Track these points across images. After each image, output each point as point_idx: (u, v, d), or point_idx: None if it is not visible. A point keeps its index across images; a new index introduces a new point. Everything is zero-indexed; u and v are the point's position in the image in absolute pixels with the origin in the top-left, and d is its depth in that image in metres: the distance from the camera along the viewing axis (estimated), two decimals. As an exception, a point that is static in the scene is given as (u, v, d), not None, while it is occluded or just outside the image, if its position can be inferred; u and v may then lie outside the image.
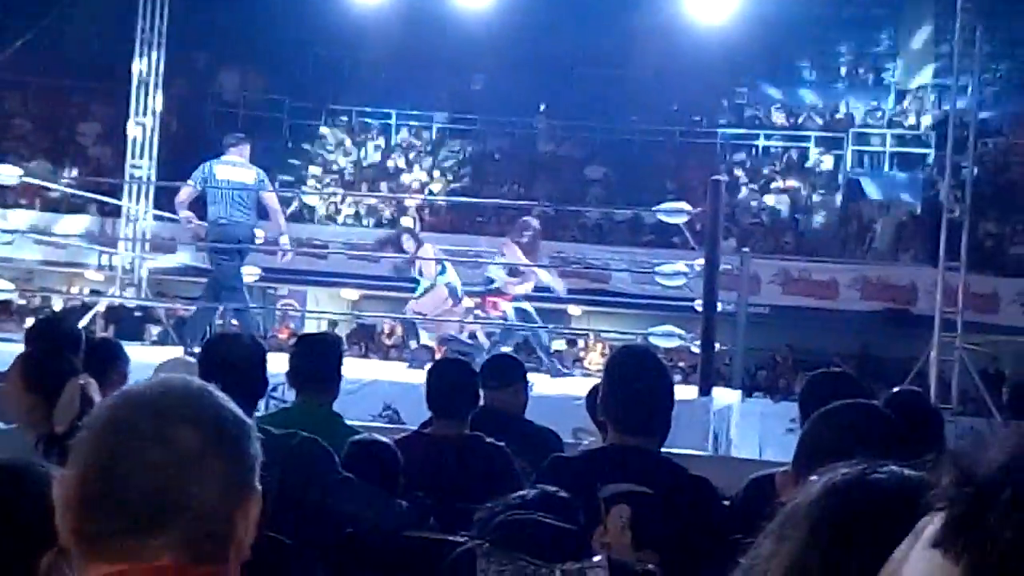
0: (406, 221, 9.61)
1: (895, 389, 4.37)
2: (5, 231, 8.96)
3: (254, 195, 8.68)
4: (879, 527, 0.91)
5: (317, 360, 4.07)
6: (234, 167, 8.79)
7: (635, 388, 3.09)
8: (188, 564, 1.15)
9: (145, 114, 13.98)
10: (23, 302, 11.78)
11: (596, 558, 2.25)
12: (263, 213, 8.79)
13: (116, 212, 12.90)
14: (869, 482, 0.99)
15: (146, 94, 14.00)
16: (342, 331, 15.73)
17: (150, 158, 13.90)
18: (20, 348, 4.09)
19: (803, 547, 0.93)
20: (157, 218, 13.70)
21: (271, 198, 8.80)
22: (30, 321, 10.03)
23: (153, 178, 13.76)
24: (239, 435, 1.21)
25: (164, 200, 13.77)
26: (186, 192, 8.92)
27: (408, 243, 9.88)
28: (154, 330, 11.56)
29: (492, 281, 9.39)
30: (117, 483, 1.14)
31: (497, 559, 2.15)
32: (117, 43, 15.40)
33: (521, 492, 2.44)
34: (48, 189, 9.21)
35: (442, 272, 9.65)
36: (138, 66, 13.87)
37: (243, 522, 1.19)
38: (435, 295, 9.63)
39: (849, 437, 2.00)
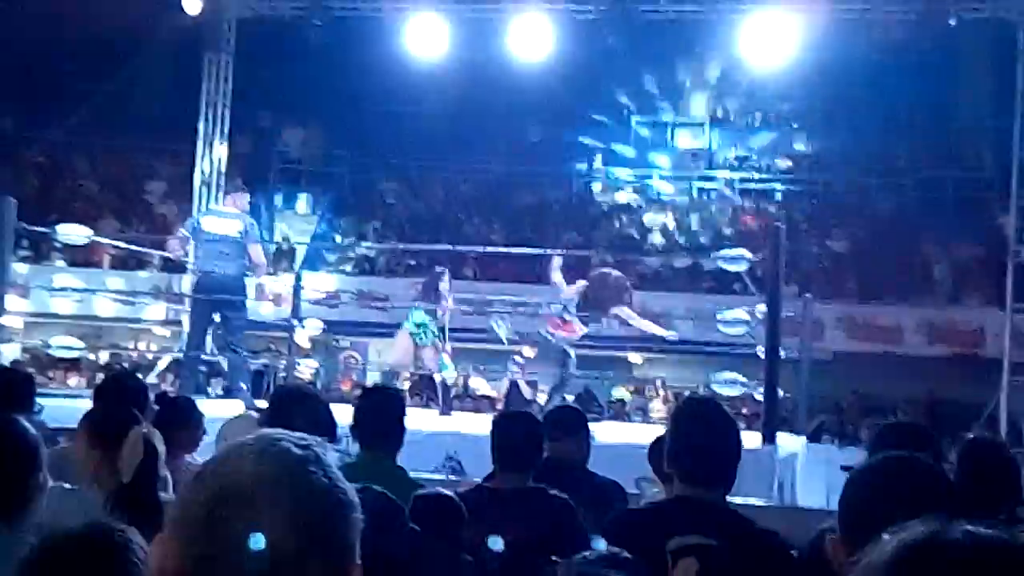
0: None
1: (970, 436, 4.29)
2: (75, 290, 9.14)
3: (240, 245, 8.71)
4: None
5: (381, 414, 4.11)
6: (220, 218, 8.93)
7: (702, 439, 3.08)
8: None
9: (211, 173, 14.27)
10: (92, 358, 12.02)
11: None
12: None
13: (182, 268, 13.14)
14: (943, 542, 0.95)
15: (210, 152, 14.29)
16: (403, 381, 15.80)
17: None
18: (89, 404, 4.16)
19: None
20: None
21: (254, 250, 8.80)
22: (99, 377, 10.20)
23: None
24: (341, 523, 1.17)
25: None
26: (174, 242, 9.19)
27: (444, 284, 9.92)
28: (218, 384, 11.69)
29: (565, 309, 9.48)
30: None
31: None
32: (182, 102, 15.77)
33: (585, 552, 2.43)
34: (116, 247, 9.42)
35: (407, 319, 9.65)
36: (203, 125, 14.17)
37: None
38: (398, 341, 9.73)
39: (893, 494, 1.93)
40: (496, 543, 3.10)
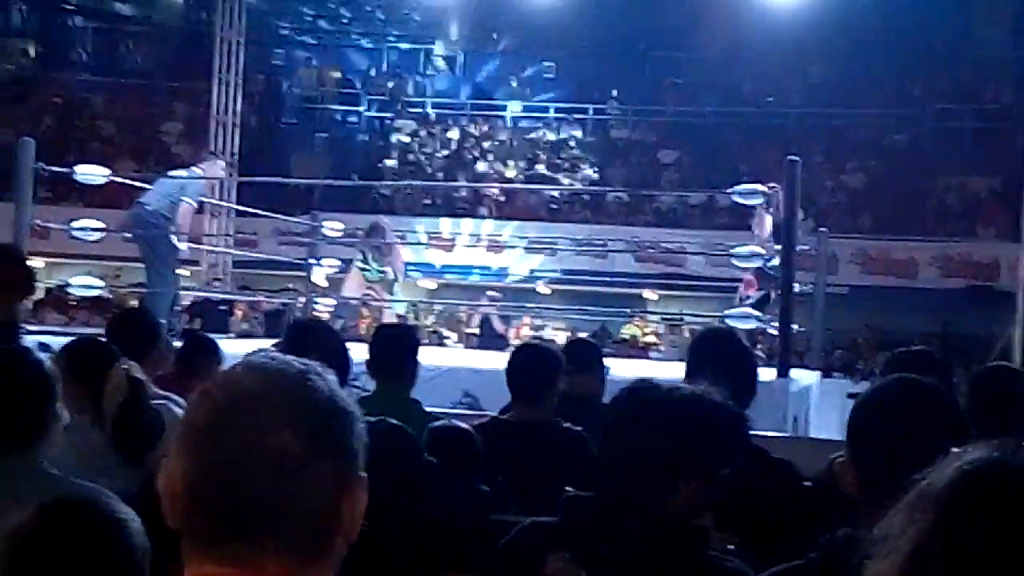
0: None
1: (986, 365, 4.29)
2: (94, 229, 9.19)
3: (172, 188, 8.74)
4: (1012, 517, 0.86)
5: (394, 349, 4.17)
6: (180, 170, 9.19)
7: (716, 370, 3.12)
8: (297, 567, 1.15)
9: (226, 112, 14.25)
10: (111, 297, 12.10)
11: None
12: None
13: (199, 208, 13.18)
14: (1009, 468, 0.90)
15: (226, 92, 14.26)
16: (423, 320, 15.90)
17: (231, 154, 14.17)
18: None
19: (927, 533, 0.89)
20: (239, 213, 13.96)
21: (180, 211, 8.71)
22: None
23: (235, 174, 14.01)
24: (342, 429, 1.20)
25: (246, 195, 14.05)
26: None
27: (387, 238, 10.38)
28: (239, 323, 11.79)
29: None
30: (221, 493, 1.14)
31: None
32: (198, 42, 15.73)
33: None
34: (135, 187, 9.46)
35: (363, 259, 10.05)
36: (218, 64, 14.12)
37: (350, 512, 1.19)
38: (349, 277, 10.22)
39: (899, 415, 1.94)
40: None
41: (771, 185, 7.86)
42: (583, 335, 16.24)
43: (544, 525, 2.22)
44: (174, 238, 8.82)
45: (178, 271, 9.33)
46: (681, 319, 15.34)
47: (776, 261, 8.19)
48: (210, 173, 9.18)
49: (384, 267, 10.18)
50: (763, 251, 8.13)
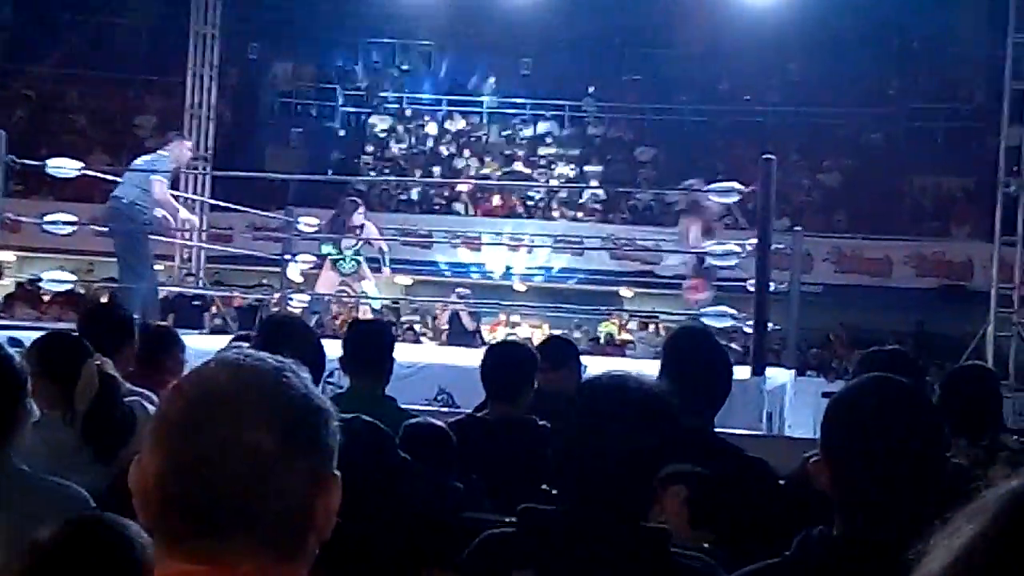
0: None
1: (959, 365, 4.32)
2: (66, 223, 9.10)
3: (141, 177, 8.68)
4: None
5: (369, 346, 4.15)
6: (144, 156, 9.08)
7: (691, 368, 3.13)
8: (269, 565, 1.14)
9: (200, 105, 14.17)
10: (84, 292, 12.03)
11: None
12: None
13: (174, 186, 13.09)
14: None
15: (201, 86, 14.17)
16: (399, 316, 15.87)
17: (206, 148, 14.09)
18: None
19: (976, 536, 0.89)
20: (213, 208, 13.89)
21: (155, 188, 8.66)
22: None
23: (209, 168, 13.93)
24: (317, 427, 1.18)
25: (220, 190, 13.97)
26: None
27: (359, 217, 10.21)
28: (212, 319, 11.72)
29: None
30: (194, 490, 1.13)
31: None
32: (172, 36, 15.63)
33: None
34: (107, 181, 9.40)
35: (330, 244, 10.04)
36: (193, 58, 14.04)
37: (324, 510, 1.18)
38: (323, 272, 10.18)
39: (872, 414, 1.93)
40: None
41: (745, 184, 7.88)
42: (558, 332, 16.29)
43: (504, 536, 2.19)
44: (160, 214, 8.79)
45: (155, 266, 9.27)
46: (656, 317, 15.39)
47: (720, 260, 8.48)
48: (176, 154, 9.02)
49: (359, 251, 10.07)
50: (738, 249, 8.15)
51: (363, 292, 10.23)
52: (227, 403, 1.15)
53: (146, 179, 8.64)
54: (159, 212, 8.79)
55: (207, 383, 1.18)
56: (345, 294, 10.22)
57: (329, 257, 10.14)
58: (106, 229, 9.00)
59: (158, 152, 9.05)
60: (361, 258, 10.20)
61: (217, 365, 1.21)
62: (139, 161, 8.97)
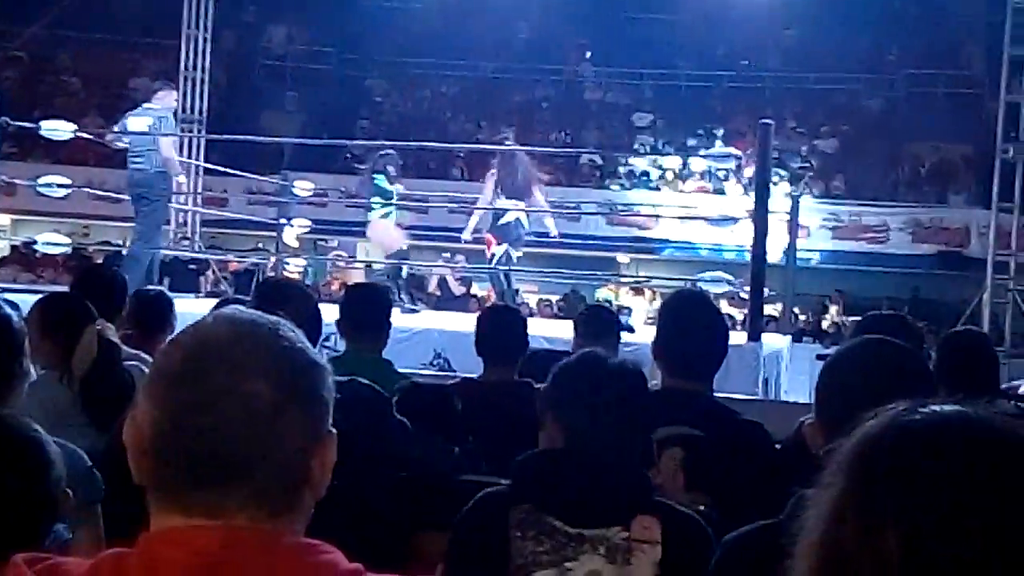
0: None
1: (954, 329, 4.32)
2: (61, 186, 9.08)
3: (149, 140, 8.65)
4: (910, 470, 0.90)
5: (366, 309, 4.14)
6: (139, 116, 8.88)
7: (688, 332, 3.12)
8: (264, 519, 1.14)
9: (195, 68, 14.07)
10: (83, 255, 12.02)
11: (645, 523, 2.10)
12: None
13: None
14: (901, 425, 0.94)
15: (195, 48, 14.07)
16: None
17: (200, 112, 14.01)
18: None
19: (840, 494, 0.93)
20: (208, 171, 13.83)
21: (163, 144, 8.70)
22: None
23: (203, 132, 13.86)
24: (313, 380, 1.18)
25: (215, 154, 13.91)
26: (110, 136, 9.22)
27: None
28: (208, 282, 11.71)
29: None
30: (191, 439, 1.12)
31: (532, 519, 2.12)
32: (165, -2, 15.50)
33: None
34: (101, 144, 9.36)
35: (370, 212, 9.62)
36: (187, 20, 13.92)
37: (319, 467, 1.18)
38: (387, 229, 9.70)
39: (867, 376, 1.92)
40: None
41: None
42: (554, 298, 16.29)
43: (499, 493, 2.21)
44: (173, 179, 8.80)
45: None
46: (650, 282, 15.40)
47: (507, 218, 8.59)
48: (167, 103, 9.00)
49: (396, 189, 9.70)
50: (735, 215, 8.15)
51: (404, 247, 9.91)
52: (224, 354, 1.15)
53: (155, 142, 8.60)
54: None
55: (204, 336, 1.18)
56: (340, 258, 10.10)
57: (376, 215, 9.62)
58: (128, 197, 8.94)
59: (149, 106, 8.91)
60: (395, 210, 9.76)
61: (214, 320, 1.21)
62: (138, 122, 8.82)
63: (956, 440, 0.91)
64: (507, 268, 9.18)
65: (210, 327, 1.19)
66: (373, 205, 9.53)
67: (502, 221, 9.16)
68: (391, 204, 9.60)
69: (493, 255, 9.25)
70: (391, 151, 9.90)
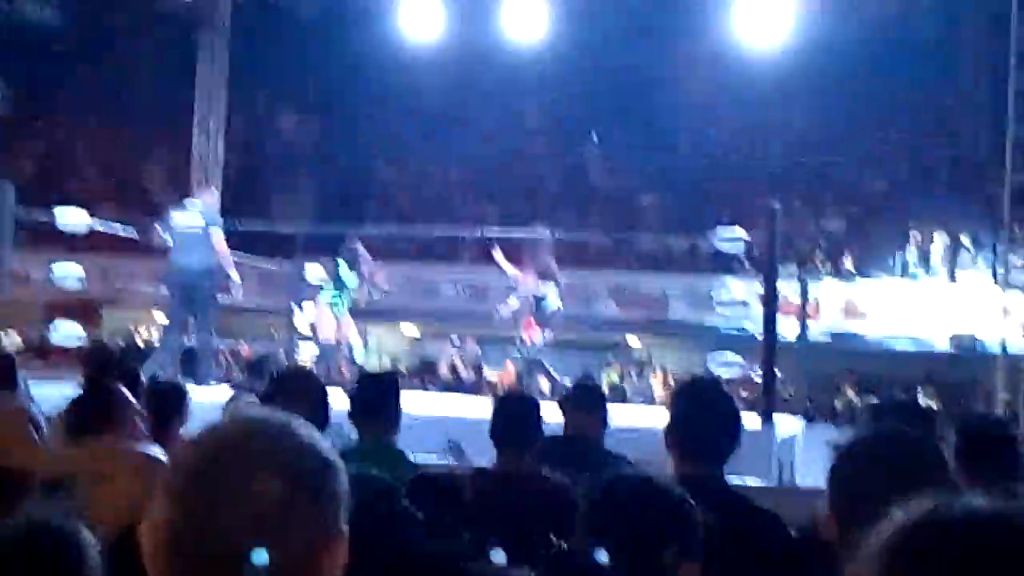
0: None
1: (972, 414, 4.29)
2: (75, 276, 9.17)
3: (203, 236, 8.92)
4: (948, 569, 0.89)
5: (376, 398, 4.13)
6: (186, 212, 9.17)
7: (701, 417, 3.12)
8: None
9: (208, 156, 14.24)
10: (90, 346, 12.02)
11: None
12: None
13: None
14: (944, 521, 0.93)
15: (208, 136, 14.26)
16: (404, 366, 15.87)
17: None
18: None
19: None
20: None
21: (216, 240, 8.99)
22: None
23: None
24: (326, 477, 1.21)
25: (227, 239, 13.99)
26: (155, 232, 9.44)
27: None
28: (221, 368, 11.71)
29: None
30: (205, 536, 1.14)
31: None
32: (179, 87, 15.76)
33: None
34: (114, 232, 9.49)
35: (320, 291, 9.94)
36: (199, 107, 14.14)
37: (330, 565, 1.20)
38: (322, 315, 10.04)
39: (880, 468, 1.92)
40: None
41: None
42: (566, 380, 16.23)
43: None
44: (227, 273, 9.07)
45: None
46: (655, 364, 15.37)
47: (551, 300, 8.76)
48: (210, 202, 9.33)
49: (357, 278, 9.95)
50: (745, 297, 8.17)
51: (348, 340, 10.16)
52: (237, 453, 1.18)
53: (207, 238, 8.81)
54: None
55: (218, 436, 1.22)
56: (343, 338, 10.16)
57: (319, 296, 10.02)
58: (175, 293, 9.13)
59: (192, 202, 9.17)
60: (344, 301, 10.05)
61: (228, 421, 1.25)
62: (185, 217, 8.98)
63: (994, 537, 0.90)
64: (527, 353, 9.25)
65: (223, 428, 1.23)
66: (324, 287, 9.87)
67: (545, 306, 9.26)
68: (340, 293, 9.75)
69: (531, 340, 9.34)
70: (357, 244, 10.09)
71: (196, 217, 9.00)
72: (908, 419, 2.92)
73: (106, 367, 4.49)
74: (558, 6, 13.54)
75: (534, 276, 9.42)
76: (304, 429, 1.22)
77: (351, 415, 4.11)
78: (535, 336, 9.30)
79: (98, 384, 3.72)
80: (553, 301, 9.27)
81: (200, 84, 14.69)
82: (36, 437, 2.51)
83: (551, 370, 9.52)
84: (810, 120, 20.89)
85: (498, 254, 9.75)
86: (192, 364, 9.63)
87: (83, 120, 20.50)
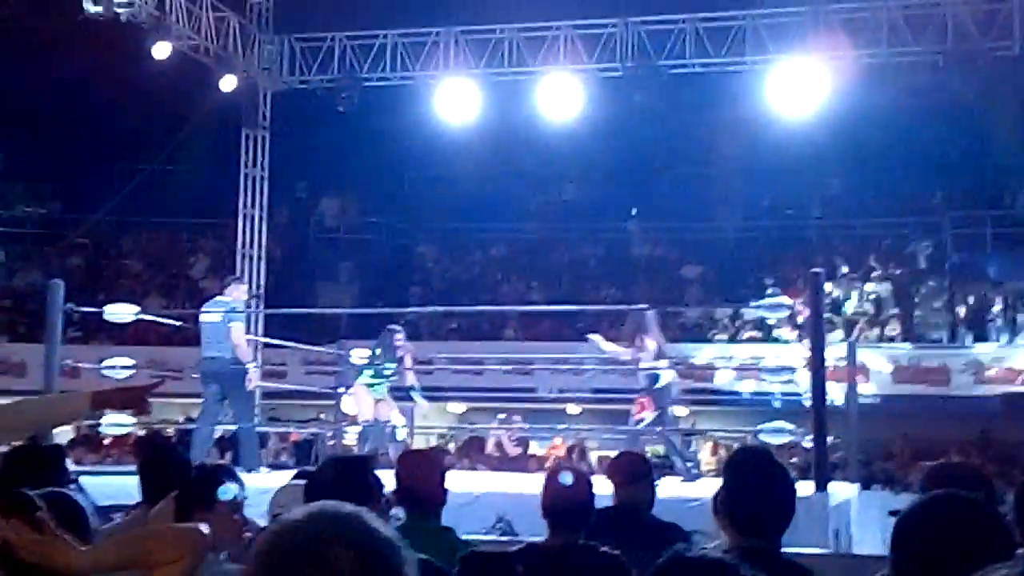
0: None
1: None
2: (124, 367, 9.32)
3: (224, 330, 9.18)
4: None
5: (420, 476, 4.13)
6: (213, 309, 9.45)
7: (755, 490, 3.09)
8: None
9: (251, 245, 14.44)
10: (143, 434, 12.13)
11: None
12: None
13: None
14: None
15: (251, 226, 14.47)
16: (452, 444, 15.84)
17: (258, 287, 14.31)
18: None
19: None
20: (267, 345, 14.03)
21: (233, 333, 9.23)
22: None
23: (262, 306, 14.13)
24: (392, 555, 1.26)
25: (273, 326, 14.15)
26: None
27: (400, 342, 10.21)
28: (269, 453, 11.75)
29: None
30: None
31: None
32: (222, 179, 16.06)
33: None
34: (162, 324, 9.65)
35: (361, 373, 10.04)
36: (242, 199, 14.37)
37: None
38: (359, 395, 10.10)
39: (941, 535, 1.92)
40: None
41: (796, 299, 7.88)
42: (612, 453, 16.10)
43: None
44: (250, 370, 9.26)
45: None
46: (703, 434, 15.21)
47: (664, 380, 8.63)
48: (237, 297, 9.61)
49: (393, 367, 10.06)
50: (792, 364, 8.11)
51: (390, 420, 10.19)
52: (307, 528, 1.25)
53: (227, 331, 9.08)
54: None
55: (289, 518, 1.29)
56: (387, 422, 10.20)
57: (362, 382, 10.11)
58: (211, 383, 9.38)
59: (220, 299, 9.42)
60: (386, 384, 10.12)
61: (300, 511, 1.31)
62: (209, 315, 9.22)
63: None
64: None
65: (296, 516, 1.29)
66: (365, 371, 9.95)
67: (660, 384, 9.21)
68: (380, 378, 9.82)
69: (642, 419, 9.27)
70: (397, 331, 10.28)
71: (217, 312, 9.32)
72: (965, 484, 2.88)
73: (161, 456, 4.52)
74: (592, 85, 13.70)
75: (648, 353, 9.32)
76: (375, 519, 1.30)
77: (397, 494, 4.11)
78: (647, 415, 9.21)
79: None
80: (665, 377, 9.15)
81: (243, 176, 14.95)
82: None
83: (677, 445, 9.22)
84: (847, 185, 20.88)
85: (598, 338, 9.72)
86: (237, 451, 9.76)
87: (130, 218, 20.87)
